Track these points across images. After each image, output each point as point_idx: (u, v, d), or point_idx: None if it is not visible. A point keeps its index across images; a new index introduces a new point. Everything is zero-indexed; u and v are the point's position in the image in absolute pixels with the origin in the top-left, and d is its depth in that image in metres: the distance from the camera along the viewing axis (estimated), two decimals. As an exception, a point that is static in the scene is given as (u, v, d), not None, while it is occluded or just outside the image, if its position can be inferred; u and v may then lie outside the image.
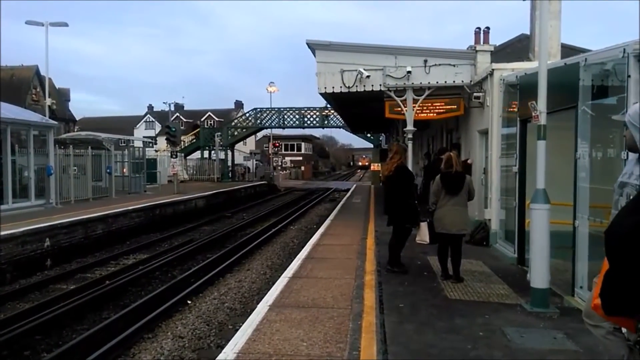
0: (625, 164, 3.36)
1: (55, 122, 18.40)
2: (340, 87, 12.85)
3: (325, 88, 13.01)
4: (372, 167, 46.16)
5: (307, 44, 13.01)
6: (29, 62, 39.50)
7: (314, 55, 13.10)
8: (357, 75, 12.55)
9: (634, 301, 2.04)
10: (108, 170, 20.59)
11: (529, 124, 7.59)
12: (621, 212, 2.51)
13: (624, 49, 5.35)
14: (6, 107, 15.99)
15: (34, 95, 37.87)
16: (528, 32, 12.53)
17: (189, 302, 8.77)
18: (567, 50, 12.17)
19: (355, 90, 12.79)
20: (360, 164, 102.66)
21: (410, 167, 13.54)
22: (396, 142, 11.73)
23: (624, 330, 2.80)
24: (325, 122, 40.06)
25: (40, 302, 8.44)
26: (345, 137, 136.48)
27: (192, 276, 10.37)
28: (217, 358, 4.41)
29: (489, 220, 10.15)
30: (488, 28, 18.20)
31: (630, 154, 3.26)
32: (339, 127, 40.62)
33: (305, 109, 40.18)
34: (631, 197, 3.07)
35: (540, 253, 5.79)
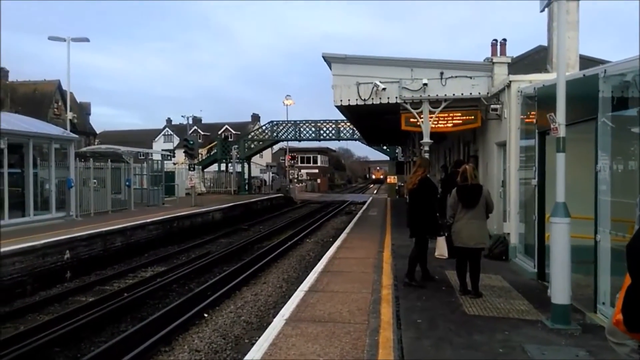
0: None
1: (76, 136, 18.75)
2: (356, 99, 12.89)
3: (341, 101, 13.05)
4: (388, 179, 46.02)
5: (323, 57, 13.10)
6: (51, 77, 40.48)
7: (330, 68, 13.17)
8: (373, 87, 12.57)
9: None
10: (127, 183, 20.86)
11: (548, 136, 7.51)
12: None
13: (644, 60, 5.27)
14: (28, 120, 16.39)
15: (55, 109, 38.74)
16: (545, 44, 12.44)
17: (206, 315, 8.78)
18: (586, 61, 12.04)
19: (371, 102, 12.81)
20: (374, 176, 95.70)
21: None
22: (420, 155, 11.68)
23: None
24: (341, 134, 40.12)
25: (60, 314, 8.54)
26: (361, 150, 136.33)
27: (209, 289, 10.39)
28: (234, 373, 4.39)
29: (508, 234, 10.01)
30: (505, 40, 18.12)
31: None
32: (355, 140, 40.61)
33: (321, 121, 40.32)
34: None
35: (561, 268, 5.67)
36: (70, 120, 26.36)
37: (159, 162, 26.15)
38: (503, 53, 15.36)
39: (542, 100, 8.30)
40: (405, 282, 7.65)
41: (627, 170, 6.83)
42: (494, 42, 18.42)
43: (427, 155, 13.35)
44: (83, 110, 46.14)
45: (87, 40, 24.32)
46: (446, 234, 7.44)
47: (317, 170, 73.99)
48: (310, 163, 75.12)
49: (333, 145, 73.26)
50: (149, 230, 16.01)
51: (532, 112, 8.93)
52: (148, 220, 16.17)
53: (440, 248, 7.53)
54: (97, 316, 8.26)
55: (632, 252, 2.08)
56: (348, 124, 35.44)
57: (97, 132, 50.86)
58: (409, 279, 7.66)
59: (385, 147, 42.85)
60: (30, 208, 14.57)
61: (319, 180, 67.56)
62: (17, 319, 8.57)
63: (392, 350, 4.83)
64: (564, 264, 5.66)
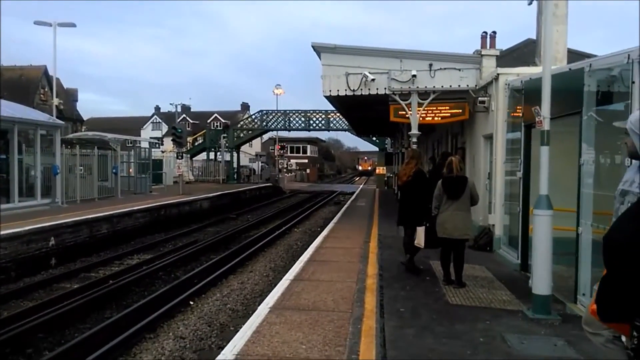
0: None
1: (62, 122, 18.53)
2: (345, 90, 12.85)
3: (330, 91, 13.01)
4: (377, 170, 46.05)
5: (313, 46, 13.02)
6: (37, 62, 39.82)
7: (320, 58, 13.11)
8: (362, 78, 12.54)
9: (628, 307, 2.02)
10: (114, 171, 20.70)
11: (534, 129, 7.57)
12: (620, 218, 2.50)
13: (629, 55, 5.32)
14: (13, 106, 16.13)
15: (42, 95, 38.16)
16: (534, 37, 12.49)
17: (192, 303, 8.79)
18: (575, 56, 12.11)
19: (360, 93, 12.78)
20: (360, 168, 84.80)
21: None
22: (411, 147, 11.75)
23: (623, 338, 2.79)
24: (331, 125, 40.07)
25: (44, 300, 8.49)
26: (350, 140, 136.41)
27: (195, 277, 10.39)
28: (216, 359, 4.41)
29: (493, 225, 10.12)
30: (494, 32, 18.17)
31: (633, 161, 3.24)
32: (345, 130, 40.58)
33: (311, 111, 40.22)
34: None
35: (542, 259, 5.76)
36: (56, 106, 26.05)
37: (147, 149, 25.95)
38: (493, 45, 15.41)
39: (528, 93, 8.36)
40: (402, 262, 7.90)
41: (611, 164, 6.93)
42: (483, 34, 18.44)
43: (415, 147, 13.42)
44: (70, 96, 45.48)
45: (73, 25, 23.97)
46: (427, 225, 7.52)
47: (306, 160, 73.93)
48: (299, 153, 75.02)
49: (323, 135, 73.20)
50: (136, 218, 15.92)
51: (518, 105, 8.99)
52: (135, 208, 16.08)
53: (419, 238, 7.61)
54: (82, 303, 8.23)
55: (608, 244, 2.12)
56: (338, 114, 35.38)
57: (85, 119, 50.18)
58: (409, 262, 7.92)
59: (374, 138, 42.90)
60: (15, 194, 14.40)
61: (308, 170, 67.56)
62: (0, 305, 8.51)
63: (374, 339, 4.88)
64: (545, 255, 5.75)
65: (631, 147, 3.13)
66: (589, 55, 12.42)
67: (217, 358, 4.46)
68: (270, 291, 7.10)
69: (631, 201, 3.08)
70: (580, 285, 6.08)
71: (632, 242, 1.87)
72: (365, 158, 79.48)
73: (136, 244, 14.36)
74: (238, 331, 5.30)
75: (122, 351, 6.52)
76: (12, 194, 14.33)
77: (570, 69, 6.85)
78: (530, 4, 6.40)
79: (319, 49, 13.01)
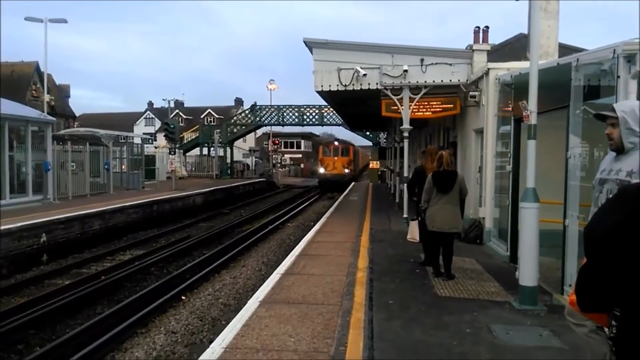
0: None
1: (53, 119, 18.42)
2: (337, 85, 12.87)
3: (322, 86, 13.03)
4: (370, 164, 46.02)
5: (305, 42, 13.02)
6: (29, 59, 39.51)
7: (312, 53, 13.11)
8: (354, 73, 12.57)
9: (607, 297, 2.06)
10: (106, 167, 20.63)
11: (523, 123, 7.63)
12: (601, 209, 2.53)
13: (614, 50, 5.39)
14: (5, 102, 16.01)
15: (33, 92, 37.89)
16: (526, 32, 12.52)
17: (184, 297, 8.82)
18: (567, 50, 12.15)
19: (352, 88, 12.81)
20: (322, 169, 38.52)
21: (406, 166, 13.64)
22: (431, 146, 11.66)
23: (606, 329, 2.84)
24: (325, 119, 40.04)
25: (35, 296, 8.49)
26: (345, 135, 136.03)
27: (188, 272, 10.41)
28: (205, 353, 4.45)
29: (483, 218, 10.20)
30: (487, 27, 18.17)
31: (610, 152, 3.28)
32: (338, 125, 40.58)
33: (305, 106, 40.18)
34: (611, 194, 3.09)
35: (529, 251, 5.82)
36: (47, 102, 25.88)
37: (139, 145, 25.87)
38: (485, 40, 15.45)
39: (518, 87, 8.40)
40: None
41: (599, 157, 6.99)
42: (476, 29, 18.45)
43: (406, 142, 13.49)
44: (62, 92, 45.17)
45: (64, 21, 23.76)
46: (419, 218, 7.57)
47: (300, 155, 73.83)
48: (293, 148, 74.92)
49: (317, 130, 73.03)
50: (128, 214, 15.90)
51: (509, 100, 9.05)
52: (127, 204, 16.05)
53: (413, 232, 7.66)
54: (73, 299, 8.24)
55: (589, 235, 2.14)
56: (332, 109, 35.42)
57: (77, 115, 49.90)
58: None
59: (368, 133, 42.95)
60: (6, 191, 14.34)
61: (302, 165, 67.48)
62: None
63: (362, 331, 4.93)
64: (532, 247, 5.81)
65: (617, 140, 3.14)
66: (581, 50, 12.47)
67: (205, 352, 4.49)
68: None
69: (610, 189, 3.13)
70: (566, 277, 6.15)
71: (613, 235, 1.89)
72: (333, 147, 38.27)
73: (129, 240, 14.35)
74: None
75: (113, 346, 6.55)
76: (3, 191, 14.27)
77: (558, 63, 6.91)
78: (517, -1, 6.43)
79: (310, 44, 13.01)
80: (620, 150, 3.16)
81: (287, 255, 10.14)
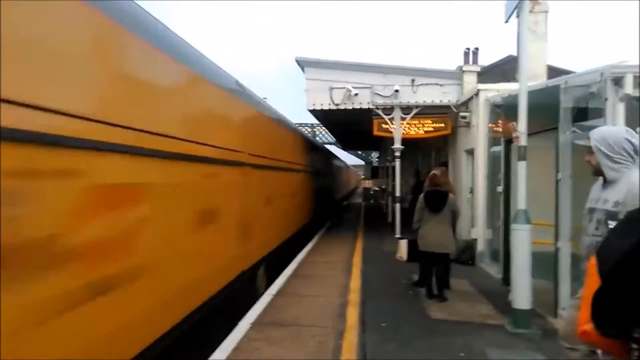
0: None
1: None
2: (329, 104, 12.93)
3: (314, 105, 13.08)
4: (363, 184, 46.18)
5: (297, 60, 13.11)
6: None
7: (303, 72, 13.20)
8: (346, 92, 12.65)
9: (629, 318, 2.01)
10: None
11: (513, 144, 7.67)
12: (612, 234, 2.48)
13: (602, 73, 5.47)
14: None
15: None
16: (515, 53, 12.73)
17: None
18: (557, 73, 12.34)
19: (343, 107, 12.88)
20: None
21: (398, 186, 13.68)
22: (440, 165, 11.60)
23: (599, 352, 2.81)
24: (317, 138, 40.17)
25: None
26: (337, 154, 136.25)
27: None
28: (195, 377, 4.36)
29: (475, 239, 10.19)
30: (477, 49, 18.52)
31: (599, 180, 3.33)
32: (331, 144, 40.70)
33: (297, 124, 40.30)
34: (600, 224, 3.13)
35: (522, 274, 5.79)
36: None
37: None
38: (475, 61, 15.68)
39: (508, 109, 8.49)
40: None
41: (590, 179, 7.00)
42: (466, 50, 18.73)
43: (397, 161, 13.55)
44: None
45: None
46: (409, 239, 7.55)
47: (292, 174, 73.79)
48: (285, 166, 74.91)
49: (309, 149, 73.09)
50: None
51: (499, 121, 9.14)
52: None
53: (401, 251, 7.64)
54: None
55: (604, 256, 2.11)
56: (324, 127, 35.54)
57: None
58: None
59: (360, 152, 43.16)
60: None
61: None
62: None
63: (355, 354, 4.86)
64: (525, 270, 5.78)
65: (596, 165, 3.25)
66: (569, 72, 12.68)
67: (195, 376, 4.40)
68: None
69: (599, 218, 3.17)
70: (560, 299, 6.13)
71: (632, 255, 1.90)
72: None
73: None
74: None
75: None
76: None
77: (547, 85, 7.00)
78: (507, 21, 6.51)
79: (302, 63, 13.10)
80: (600, 175, 3.25)
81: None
